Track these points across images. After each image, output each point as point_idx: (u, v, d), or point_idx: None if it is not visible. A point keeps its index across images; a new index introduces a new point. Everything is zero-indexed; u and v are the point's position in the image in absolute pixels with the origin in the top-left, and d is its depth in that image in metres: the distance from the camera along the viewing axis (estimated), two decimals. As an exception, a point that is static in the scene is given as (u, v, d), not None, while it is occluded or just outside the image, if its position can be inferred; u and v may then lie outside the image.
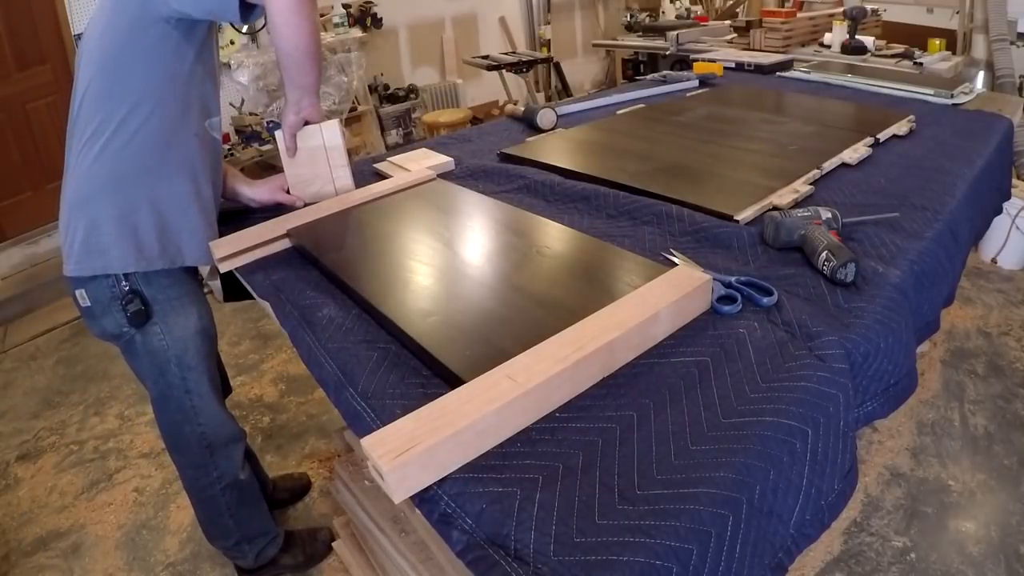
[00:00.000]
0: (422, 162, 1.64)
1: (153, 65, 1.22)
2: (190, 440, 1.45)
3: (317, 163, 1.46)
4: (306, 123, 1.39)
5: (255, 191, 1.51)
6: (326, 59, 3.74)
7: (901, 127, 1.72)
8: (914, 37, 3.32)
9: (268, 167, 3.83)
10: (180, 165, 1.29)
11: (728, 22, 3.88)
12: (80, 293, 1.30)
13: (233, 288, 1.44)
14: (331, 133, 1.43)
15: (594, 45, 5.45)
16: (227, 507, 1.57)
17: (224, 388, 1.61)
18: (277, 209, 1.47)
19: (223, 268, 1.28)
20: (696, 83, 2.36)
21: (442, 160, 1.65)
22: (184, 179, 1.30)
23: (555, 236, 1.22)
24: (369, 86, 4.63)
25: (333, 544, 1.74)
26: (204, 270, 1.55)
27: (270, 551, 1.72)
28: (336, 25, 4.27)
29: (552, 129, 1.94)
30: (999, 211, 1.82)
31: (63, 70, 3.52)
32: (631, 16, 5.18)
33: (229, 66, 3.53)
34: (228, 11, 1.17)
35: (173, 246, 1.30)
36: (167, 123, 1.25)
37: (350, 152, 4.07)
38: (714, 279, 1.02)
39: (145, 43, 1.20)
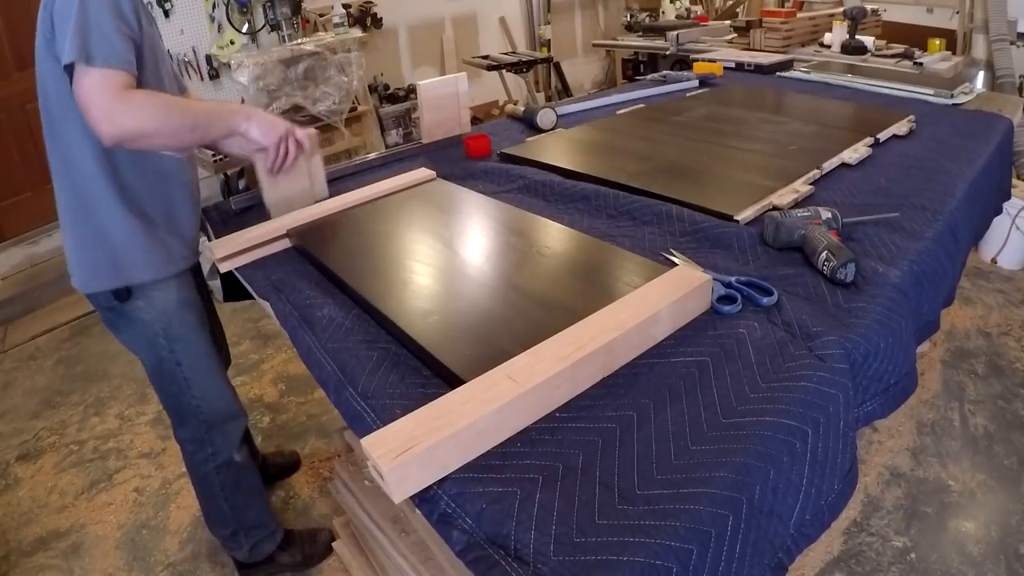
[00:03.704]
0: (422, 162, 1.64)
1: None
2: (188, 412, 1.49)
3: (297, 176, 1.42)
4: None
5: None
6: (325, 59, 3.73)
7: (901, 127, 1.72)
8: (914, 37, 3.31)
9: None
10: (130, 196, 1.29)
11: (728, 22, 3.87)
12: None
13: (233, 288, 1.44)
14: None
15: (594, 45, 5.43)
16: (220, 488, 1.59)
17: (224, 360, 1.66)
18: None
19: (223, 268, 1.28)
20: (696, 83, 2.36)
21: (442, 160, 1.65)
22: (136, 209, 1.30)
23: (555, 236, 1.22)
24: (369, 86, 4.63)
25: (333, 544, 1.74)
26: (205, 266, 1.56)
27: (266, 546, 1.72)
28: (336, 25, 4.27)
29: (552, 129, 1.94)
30: (999, 211, 1.82)
31: (63, 70, 3.51)
32: (631, 16, 5.18)
33: (229, 66, 3.53)
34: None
35: (125, 269, 1.32)
36: (117, 159, 1.25)
37: (350, 152, 4.04)
38: (714, 279, 1.02)
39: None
